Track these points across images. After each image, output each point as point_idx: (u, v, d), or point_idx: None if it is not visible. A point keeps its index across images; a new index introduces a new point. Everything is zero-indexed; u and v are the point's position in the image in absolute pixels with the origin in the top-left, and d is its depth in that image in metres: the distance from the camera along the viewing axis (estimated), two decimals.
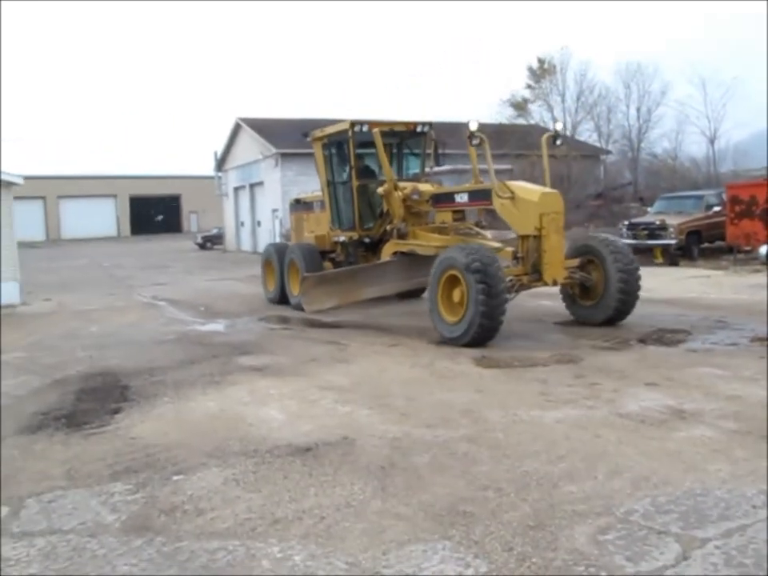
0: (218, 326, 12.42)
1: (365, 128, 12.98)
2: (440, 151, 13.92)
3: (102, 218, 63.47)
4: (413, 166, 14.48)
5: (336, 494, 4.66)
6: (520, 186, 10.73)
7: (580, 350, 8.84)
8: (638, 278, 10.58)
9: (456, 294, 9.78)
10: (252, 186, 36.18)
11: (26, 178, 17.65)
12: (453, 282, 9.85)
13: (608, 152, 37.92)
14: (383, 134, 13.02)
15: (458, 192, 11.94)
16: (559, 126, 11.84)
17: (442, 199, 12.19)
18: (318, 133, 14.49)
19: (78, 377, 8.63)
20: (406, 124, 14.12)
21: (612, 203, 30.85)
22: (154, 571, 3.78)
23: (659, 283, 15.64)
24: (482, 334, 9.37)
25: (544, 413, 6.29)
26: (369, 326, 11.61)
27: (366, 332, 11.03)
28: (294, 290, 14.13)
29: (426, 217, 12.87)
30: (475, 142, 10.89)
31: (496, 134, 32.71)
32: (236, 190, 39.27)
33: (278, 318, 12.86)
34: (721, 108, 35.75)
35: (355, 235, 13.71)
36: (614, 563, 3.65)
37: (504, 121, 36.69)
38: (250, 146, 34.63)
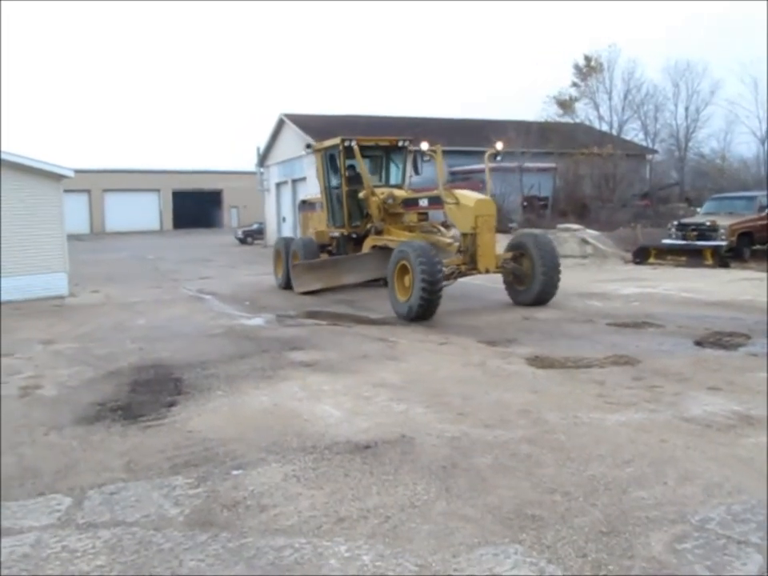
0: (264, 320, 12.42)
1: (353, 143, 15.37)
2: (418, 161, 15.44)
3: (145, 212, 64.15)
4: (396, 174, 16.99)
5: (399, 494, 4.58)
6: (462, 193, 13.10)
7: (636, 352, 8.65)
8: (559, 270, 12.85)
9: (406, 280, 11.93)
10: (294, 181, 36.26)
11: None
12: (404, 270, 12.04)
13: (654, 151, 37.31)
14: (371, 148, 16.35)
15: (420, 197, 14.75)
16: (499, 146, 13.90)
17: (410, 203, 14.89)
18: (318, 146, 17.29)
19: (131, 368, 8.67)
20: (389, 139, 16.74)
21: (658, 203, 30.36)
22: (221, 567, 3.74)
23: (711, 285, 15.34)
24: (424, 309, 11.53)
25: (605, 415, 6.14)
26: (417, 323, 11.51)
27: (414, 329, 10.94)
28: None
29: (402, 217, 15.24)
30: (426, 158, 13.99)
31: (540, 132, 32.50)
32: (278, 185, 39.38)
33: (324, 314, 12.84)
34: None
35: (345, 231, 16.22)
36: (694, 573, 3.53)
37: (548, 118, 36.32)
38: (294, 142, 34.69)
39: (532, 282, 12.76)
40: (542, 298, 12.78)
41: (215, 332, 11.24)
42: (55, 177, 16.87)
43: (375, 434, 5.77)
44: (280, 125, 37.26)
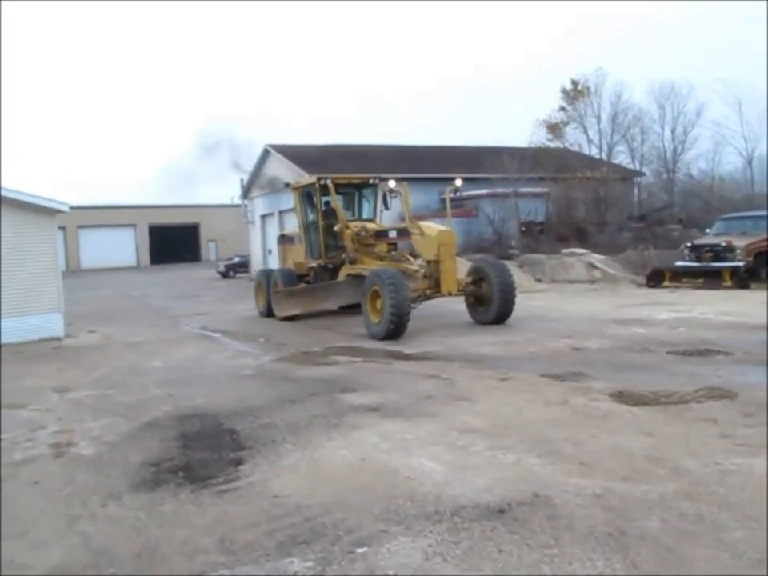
0: (291, 359, 11.53)
1: (328, 181, 16.61)
2: (387, 197, 17.47)
3: (121, 248, 62.85)
4: (368, 209, 18.45)
5: (578, 573, 3.77)
6: (426, 225, 14.57)
7: (723, 383, 7.94)
8: (514, 292, 13.93)
9: (378, 303, 13.08)
10: (281, 212, 35.42)
11: None
12: (376, 295, 13.15)
13: (642, 174, 37.09)
14: (344, 186, 17.76)
15: (390, 230, 16.47)
16: (459, 183, 15.22)
17: (381, 235, 16.40)
18: (295, 184, 18.72)
19: (170, 418, 7.76)
20: (361, 178, 18.37)
21: (654, 225, 29.99)
22: None
23: (745, 307, 14.77)
24: (394, 329, 12.64)
25: (748, 460, 5.39)
26: (457, 357, 10.70)
27: (461, 363, 10.12)
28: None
29: (373, 247, 16.46)
30: (393, 195, 16.59)
31: (533, 158, 32.10)
32: (263, 217, 38.54)
33: (353, 350, 11.98)
34: (758, 127, 34.96)
35: (322, 262, 17.44)
36: None
37: (539, 143, 35.99)
38: (279, 173, 33.92)
39: (491, 304, 13.89)
40: (501, 317, 13.89)
41: (244, 373, 10.36)
42: (50, 212, 15.92)
43: (501, 493, 4.95)
44: (265, 155, 36.52)
